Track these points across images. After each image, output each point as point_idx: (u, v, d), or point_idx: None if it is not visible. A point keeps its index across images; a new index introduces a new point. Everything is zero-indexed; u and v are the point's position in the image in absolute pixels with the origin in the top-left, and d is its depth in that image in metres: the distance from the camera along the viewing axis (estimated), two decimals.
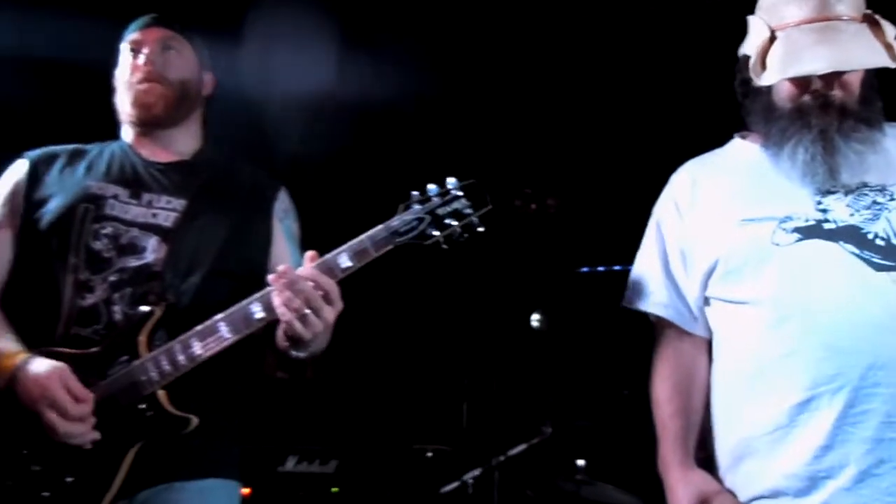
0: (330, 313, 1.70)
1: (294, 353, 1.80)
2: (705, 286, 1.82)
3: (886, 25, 1.73)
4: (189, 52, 2.07)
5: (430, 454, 4.45)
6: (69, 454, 1.72)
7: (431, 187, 1.79)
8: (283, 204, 2.09)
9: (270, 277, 1.71)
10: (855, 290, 1.61)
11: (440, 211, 1.77)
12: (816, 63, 1.67)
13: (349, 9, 3.85)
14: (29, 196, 1.94)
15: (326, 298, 1.69)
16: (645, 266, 1.94)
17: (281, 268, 1.69)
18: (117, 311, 1.82)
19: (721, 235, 1.77)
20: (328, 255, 1.75)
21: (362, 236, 1.76)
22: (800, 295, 1.65)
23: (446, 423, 4.90)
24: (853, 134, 1.69)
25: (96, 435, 1.72)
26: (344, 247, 1.75)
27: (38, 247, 1.89)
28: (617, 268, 5.45)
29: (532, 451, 3.96)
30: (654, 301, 1.90)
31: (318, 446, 4.21)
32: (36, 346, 1.78)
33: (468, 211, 1.78)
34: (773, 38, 1.75)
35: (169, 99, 2.01)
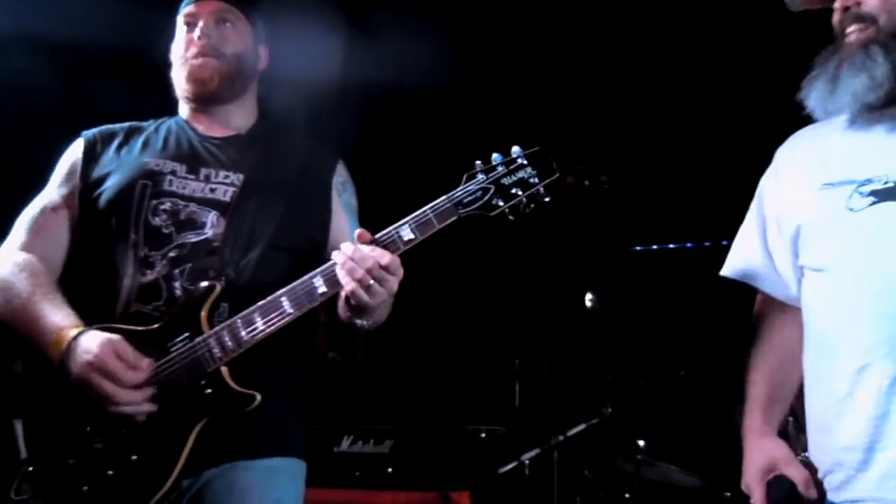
0: (394, 282, 1.67)
1: (358, 322, 1.77)
2: (796, 255, 1.75)
3: None
4: (244, 26, 2.04)
5: (483, 435, 4.41)
6: (133, 432, 1.71)
7: (496, 156, 1.73)
8: (340, 177, 2.05)
9: (333, 253, 1.68)
10: None
11: (505, 180, 1.71)
12: None
13: None
14: (86, 175, 1.93)
15: (388, 270, 1.66)
16: (745, 237, 1.89)
17: (343, 245, 1.67)
18: (178, 286, 1.80)
19: (803, 202, 1.71)
20: (390, 228, 1.70)
21: (425, 208, 1.71)
22: (862, 260, 1.58)
23: (499, 404, 4.86)
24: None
25: (152, 407, 1.70)
26: (406, 219, 1.70)
27: (98, 225, 1.88)
28: (671, 246, 5.35)
29: (591, 431, 3.90)
30: (750, 271, 1.85)
31: (372, 427, 4.21)
32: (96, 323, 1.77)
33: (534, 180, 1.71)
34: None
35: (224, 74, 1.98)
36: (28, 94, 3.50)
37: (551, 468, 3.93)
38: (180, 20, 2.02)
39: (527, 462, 3.83)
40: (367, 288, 1.65)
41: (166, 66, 2.06)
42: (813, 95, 1.70)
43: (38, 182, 1.98)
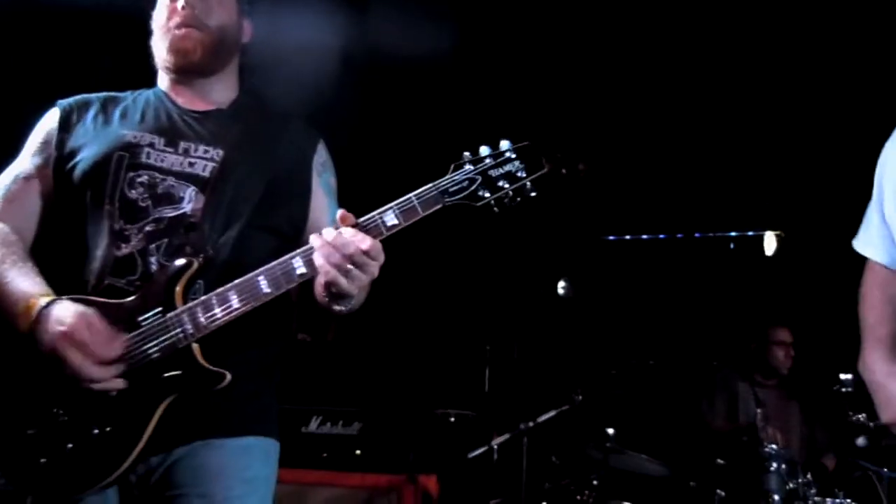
0: (374, 267, 1.65)
1: (336, 307, 1.74)
2: None
3: None
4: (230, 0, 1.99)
5: (452, 419, 4.42)
6: (97, 406, 1.68)
7: (484, 148, 1.72)
8: (321, 157, 2.02)
9: (311, 236, 1.65)
10: None
11: (493, 172, 1.70)
12: None
13: None
14: (61, 145, 1.88)
15: (369, 255, 1.64)
16: (870, 208, 1.95)
17: (324, 231, 1.64)
18: (153, 261, 1.77)
19: None
20: (373, 213, 1.68)
21: (410, 195, 1.69)
22: None
23: (468, 389, 4.87)
24: None
25: (122, 383, 1.67)
26: (391, 204, 1.68)
27: (72, 196, 1.84)
28: (644, 237, 5.38)
29: (561, 418, 3.93)
30: (868, 243, 1.93)
31: (341, 408, 4.19)
32: (68, 295, 1.73)
33: (521, 174, 1.71)
34: None
35: (207, 45, 1.93)
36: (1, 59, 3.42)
37: (520, 454, 3.94)
38: None
39: (496, 447, 3.84)
40: (346, 273, 1.62)
41: (147, 33, 2.01)
42: None
43: (11, 151, 1.94)
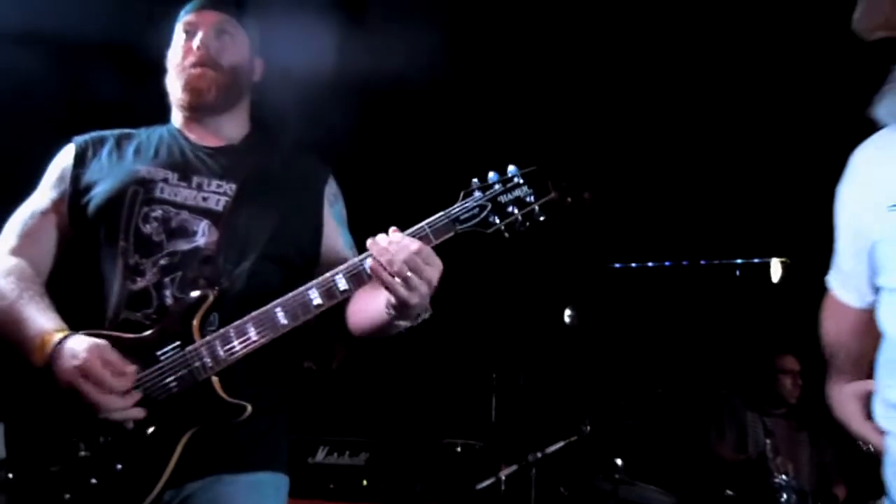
0: (433, 273, 1.64)
1: (401, 323, 1.73)
2: (873, 271, 1.77)
3: None
4: (242, 38, 2.03)
5: (459, 449, 4.40)
6: (119, 440, 1.68)
7: (492, 175, 1.75)
8: (332, 189, 2.05)
9: (368, 242, 1.66)
10: None
11: (502, 199, 1.73)
12: None
13: None
14: (76, 180, 1.91)
15: (422, 257, 1.63)
16: (840, 245, 1.91)
17: (378, 237, 1.64)
18: (168, 295, 1.78)
19: (873, 221, 1.73)
20: None
21: (422, 223, 1.71)
22: None
23: (475, 418, 4.85)
24: None
25: (140, 413, 1.67)
26: (404, 233, 1.70)
27: (87, 231, 1.87)
28: (650, 264, 5.39)
29: (569, 448, 3.91)
30: (832, 277, 1.90)
31: (348, 438, 4.18)
32: (85, 329, 1.74)
33: (530, 199, 1.74)
34: None
35: (220, 85, 1.96)
36: (19, 93, 3.45)
37: (528, 485, 3.92)
38: (179, 27, 2.01)
39: (503, 478, 3.82)
40: (406, 281, 1.61)
41: (161, 68, 2.04)
42: (882, 106, 1.73)
43: (26, 185, 1.96)
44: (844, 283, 1.86)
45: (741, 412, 4.49)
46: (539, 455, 3.84)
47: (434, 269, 1.64)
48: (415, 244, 1.63)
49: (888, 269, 1.71)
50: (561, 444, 3.89)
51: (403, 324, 1.75)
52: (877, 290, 1.78)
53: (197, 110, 1.98)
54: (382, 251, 1.63)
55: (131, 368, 1.68)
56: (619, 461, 3.72)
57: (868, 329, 1.80)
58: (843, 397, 1.85)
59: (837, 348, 1.89)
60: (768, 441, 3.91)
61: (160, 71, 2.05)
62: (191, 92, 1.96)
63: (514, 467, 3.85)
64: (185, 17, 2.01)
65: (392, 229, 1.69)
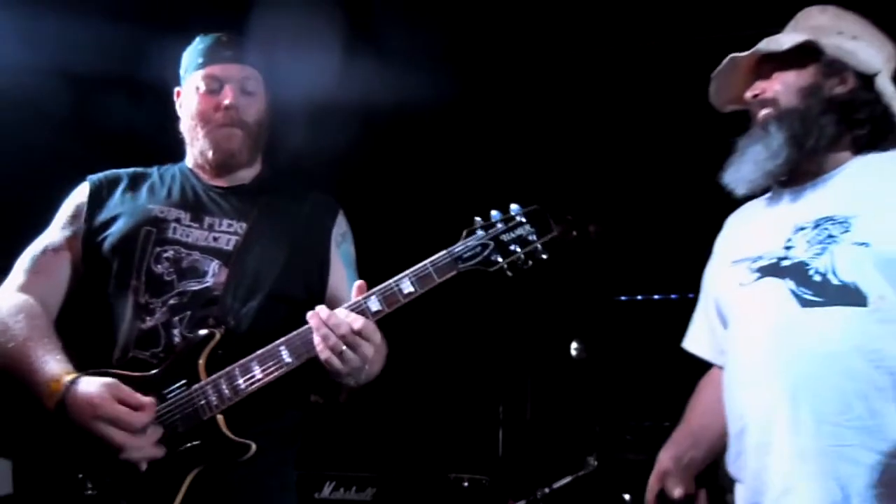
0: (367, 349, 1.67)
1: (342, 380, 1.76)
2: (724, 324, 1.88)
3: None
4: (262, 91, 2.04)
5: (466, 484, 4.39)
6: (125, 479, 1.69)
7: (495, 213, 1.78)
8: (340, 228, 2.07)
9: (308, 314, 1.68)
10: (778, 328, 1.64)
11: (504, 237, 1.76)
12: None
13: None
14: (91, 219, 1.94)
15: (361, 335, 1.66)
16: (696, 311, 2.04)
17: (319, 308, 1.68)
18: (177, 334, 1.80)
19: (717, 277, 1.89)
20: (390, 281, 1.72)
21: (425, 262, 1.74)
22: (740, 333, 1.75)
23: (482, 453, 4.83)
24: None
25: (160, 451, 1.68)
26: (407, 272, 1.73)
27: (99, 269, 1.89)
28: (656, 297, 5.39)
29: (576, 483, 3.89)
30: (694, 340, 2.03)
31: (354, 473, 4.17)
32: (93, 367, 1.76)
33: (532, 238, 1.77)
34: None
35: (249, 144, 2.00)
36: (29, 125, 3.49)
37: None
38: (199, 76, 1.99)
39: None
40: (341, 355, 1.64)
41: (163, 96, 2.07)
42: (727, 172, 1.85)
43: (38, 222, 1.99)
44: (713, 349, 1.96)
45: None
46: (547, 490, 3.82)
47: (371, 345, 1.67)
48: (358, 322, 1.65)
49: (724, 323, 1.84)
50: (569, 478, 3.87)
51: (345, 381, 1.76)
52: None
53: (223, 168, 2.01)
54: (320, 325, 1.65)
55: (147, 401, 1.68)
56: (627, 496, 3.70)
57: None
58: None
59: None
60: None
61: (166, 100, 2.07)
62: (221, 152, 1.97)
63: (521, 503, 3.83)
64: (207, 68, 1.99)
65: (357, 287, 1.71)
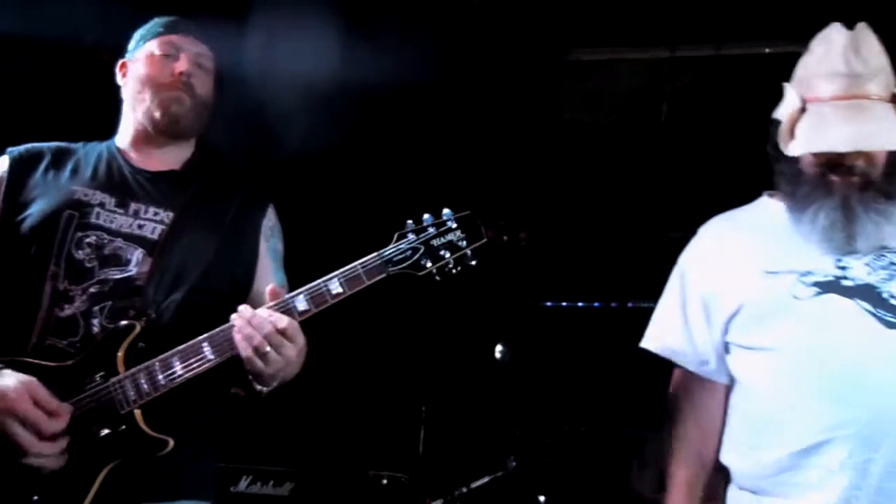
0: (290, 350, 1.67)
1: (258, 386, 1.76)
2: (726, 332, 1.87)
3: None
4: (212, 73, 2.02)
5: (385, 481, 4.39)
6: (37, 472, 1.64)
7: (427, 216, 1.79)
8: (269, 221, 2.04)
9: (233, 315, 1.67)
10: (865, 346, 1.68)
11: (435, 242, 1.77)
12: (840, 141, 1.74)
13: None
14: (9, 197, 1.86)
15: (285, 335, 1.66)
16: (666, 312, 2.01)
17: (241, 308, 1.67)
18: (96, 323, 1.75)
19: (745, 284, 1.84)
20: (318, 281, 1.72)
21: (355, 263, 1.73)
22: (814, 346, 1.72)
23: (402, 451, 4.84)
24: (873, 205, 1.76)
25: (63, 461, 1.64)
26: (336, 273, 1.72)
27: (17, 251, 1.82)
28: (580, 304, 5.50)
29: (494, 484, 3.94)
30: (669, 345, 1.98)
31: (272, 467, 4.13)
32: (7, 355, 1.71)
33: (462, 244, 1.78)
34: (803, 110, 1.82)
35: (193, 115, 1.95)
36: None
37: None
38: (155, 43, 1.96)
39: None
40: (263, 355, 1.64)
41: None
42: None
43: None
44: (687, 351, 1.95)
45: (661, 452, 4.57)
46: (465, 489, 3.86)
47: (294, 346, 1.68)
48: (282, 322, 1.65)
49: (757, 330, 1.81)
50: (486, 479, 3.91)
51: (259, 387, 1.77)
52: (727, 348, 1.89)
53: (165, 134, 1.95)
54: (244, 325, 1.65)
55: (65, 408, 1.64)
56: (542, 498, 3.76)
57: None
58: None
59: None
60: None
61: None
62: (169, 116, 1.92)
63: (439, 501, 3.86)
64: (164, 36, 1.97)
65: (269, 291, 1.71)
